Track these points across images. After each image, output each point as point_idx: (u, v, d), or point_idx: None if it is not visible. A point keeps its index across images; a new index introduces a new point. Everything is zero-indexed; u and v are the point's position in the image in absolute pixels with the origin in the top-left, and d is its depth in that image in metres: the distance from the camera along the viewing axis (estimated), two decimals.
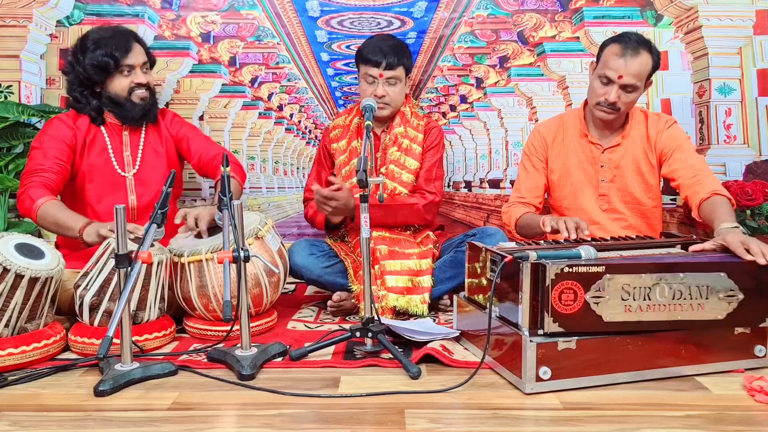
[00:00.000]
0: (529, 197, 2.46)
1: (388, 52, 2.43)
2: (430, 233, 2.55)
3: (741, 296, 1.72)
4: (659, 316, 1.68)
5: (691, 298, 1.69)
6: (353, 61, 2.72)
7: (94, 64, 2.30)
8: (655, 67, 2.29)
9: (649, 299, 1.66)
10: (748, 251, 1.75)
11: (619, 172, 2.39)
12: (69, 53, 2.43)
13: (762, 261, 1.71)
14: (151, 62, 2.46)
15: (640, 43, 2.24)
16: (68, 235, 2.15)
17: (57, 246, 2.38)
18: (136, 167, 2.42)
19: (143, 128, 2.46)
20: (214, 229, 2.22)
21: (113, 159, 2.39)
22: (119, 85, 2.34)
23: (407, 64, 2.50)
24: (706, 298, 1.69)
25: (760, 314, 1.76)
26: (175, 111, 2.71)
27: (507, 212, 2.46)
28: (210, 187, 3.11)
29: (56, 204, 2.21)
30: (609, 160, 2.39)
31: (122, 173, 2.40)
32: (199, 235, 2.21)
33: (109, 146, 2.39)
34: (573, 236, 1.99)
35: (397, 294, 2.30)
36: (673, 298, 1.68)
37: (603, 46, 2.32)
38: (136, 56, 2.35)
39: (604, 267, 1.64)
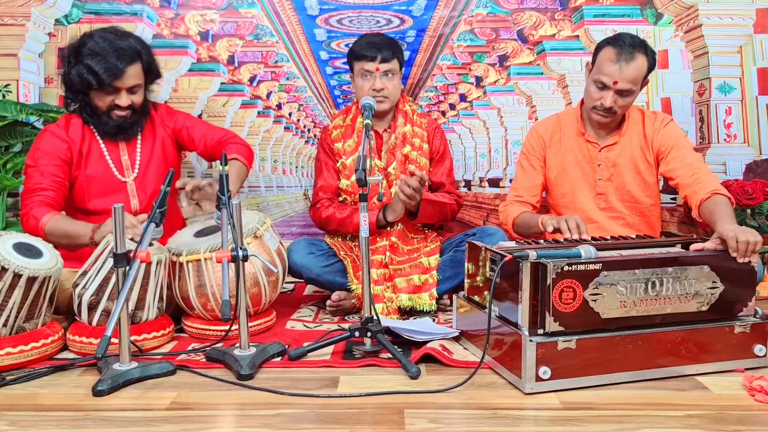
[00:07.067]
0: (527, 196, 2.46)
1: (382, 46, 2.43)
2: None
3: (722, 287, 1.75)
4: (649, 310, 1.70)
5: (679, 292, 1.72)
6: None
7: (79, 75, 2.18)
8: (651, 68, 2.28)
9: (642, 294, 1.69)
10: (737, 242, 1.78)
11: (616, 171, 2.38)
12: (66, 50, 2.30)
13: (740, 259, 1.77)
14: (150, 78, 2.36)
15: (635, 47, 2.23)
16: (80, 243, 2.13)
17: (56, 245, 2.36)
18: (136, 171, 2.38)
19: (138, 132, 2.42)
20: (212, 228, 2.21)
21: (112, 165, 2.35)
22: (101, 100, 2.25)
23: (401, 58, 2.51)
24: (692, 292, 1.73)
25: (738, 304, 1.79)
26: None
27: (504, 211, 2.47)
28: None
29: (60, 218, 2.19)
30: (606, 158, 2.39)
31: (122, 178, 2.36)
32: (198, 234, 2.21)
33: (106, 153, 2.35)
34: (575, 236, 1.99)
35: (408, 294, 2.34)
36: (663, 293, 1.71)
37: (598, 48, 2.31)
38: (127, 80, 2.22)
39: (600, 264, 1.65)
